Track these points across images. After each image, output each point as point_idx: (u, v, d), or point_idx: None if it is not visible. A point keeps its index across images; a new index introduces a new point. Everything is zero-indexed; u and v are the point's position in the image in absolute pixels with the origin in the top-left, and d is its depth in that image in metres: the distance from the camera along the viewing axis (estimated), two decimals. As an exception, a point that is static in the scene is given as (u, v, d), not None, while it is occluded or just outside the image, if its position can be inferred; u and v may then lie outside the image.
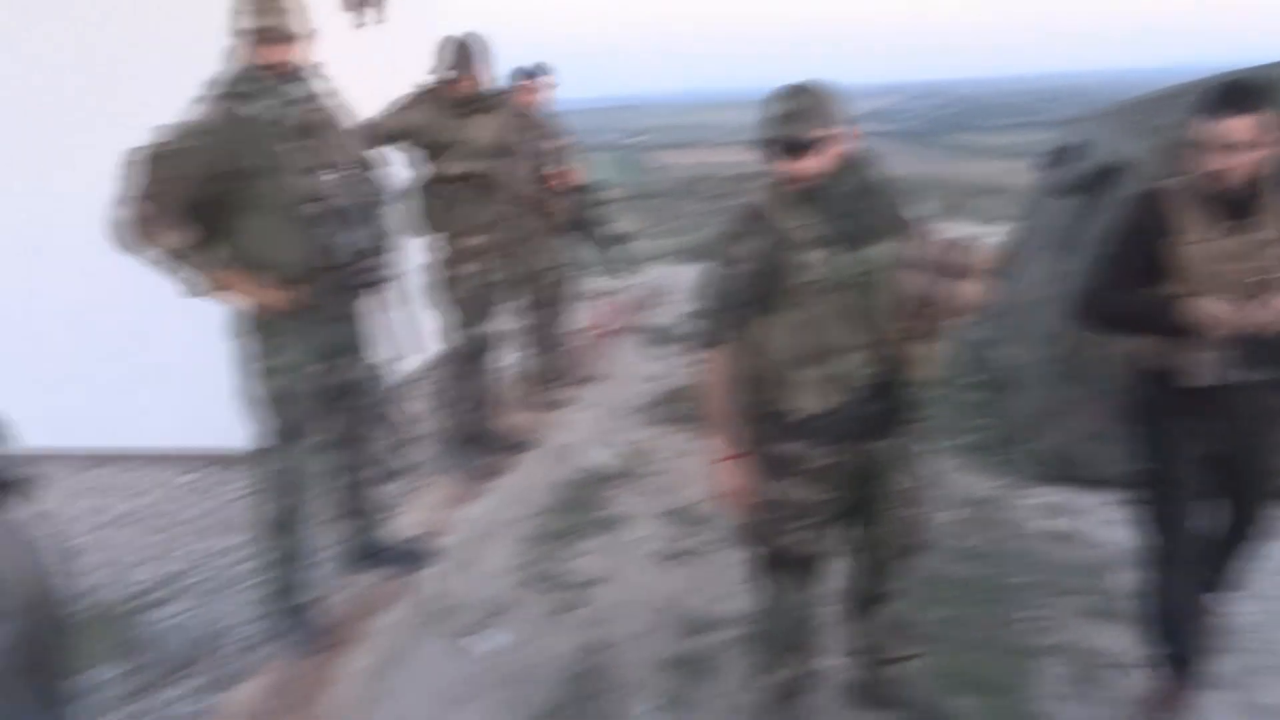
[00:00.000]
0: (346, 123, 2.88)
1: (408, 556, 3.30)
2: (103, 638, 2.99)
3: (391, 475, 3.50)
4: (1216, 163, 2.15)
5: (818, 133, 2.10)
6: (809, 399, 2.22)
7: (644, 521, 3.94)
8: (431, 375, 4.15)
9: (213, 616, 3.20)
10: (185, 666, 2.91)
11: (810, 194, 2.16)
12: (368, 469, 3.19)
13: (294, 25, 2.64)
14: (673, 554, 3.66)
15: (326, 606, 3.01)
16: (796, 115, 2.10)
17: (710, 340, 2.30)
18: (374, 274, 2.86)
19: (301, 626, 2.86)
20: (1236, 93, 2.15)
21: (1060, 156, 5.51)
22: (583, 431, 4.78)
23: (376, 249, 2.85)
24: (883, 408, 2.26)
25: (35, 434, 2.06)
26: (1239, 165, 2.14)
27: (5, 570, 1.49)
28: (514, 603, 3.33)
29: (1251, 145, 2.12)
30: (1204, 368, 2.26)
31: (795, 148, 2.11)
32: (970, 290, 2.07)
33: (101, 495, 4.20)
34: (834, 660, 2.73)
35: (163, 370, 4.18)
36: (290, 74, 2.67)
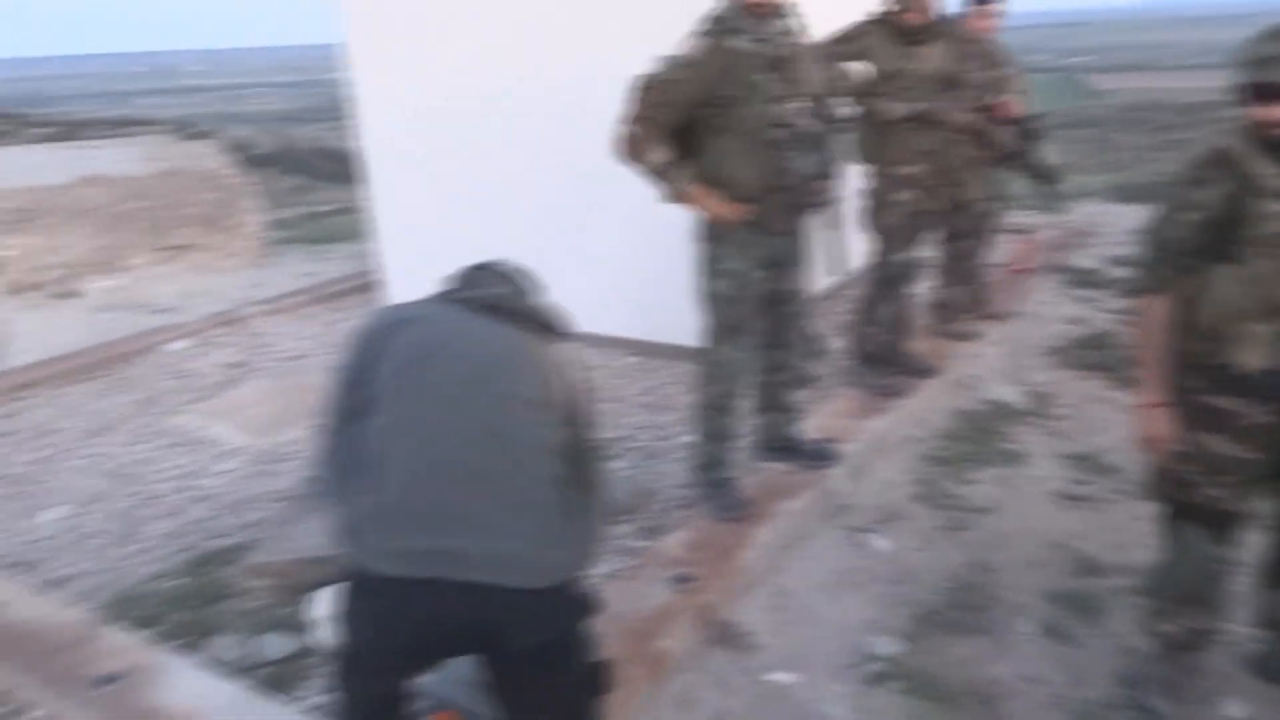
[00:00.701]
0: (812, 54, 3.17)
1: (814, 454, 3.65)
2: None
3: (806, 380, 3.86)
4: None
5: None
6: (1255, 354, 2.17)
7: (1044, 461, 3.97)
8: (851, 294, 4.41)
9: (649, 477, 3.79)
10: (627, 513, 3.51)
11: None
12: (789, 370, 3.56)
13: None
14: (1071, 496, 3.68)
15: (743, 484, 3.46)
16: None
17: (1152, 286, 2.30)
18: (820, 196, 3.15)
19: (724, 496, 3.33)
20: None
21: None
22: (989, 365, 4.81)
23: (825, 173, 3.13)
24: None
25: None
26: None
27: (554, 387, 1.98)
28: (904, 514, 3.57)
29: None
30: None
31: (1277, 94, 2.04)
32: None
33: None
34: (1238, 628, 2.68)
35: (623, 266, 4.85)
36: (771, 12, 2.99)
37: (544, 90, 4.89)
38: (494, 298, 2.02)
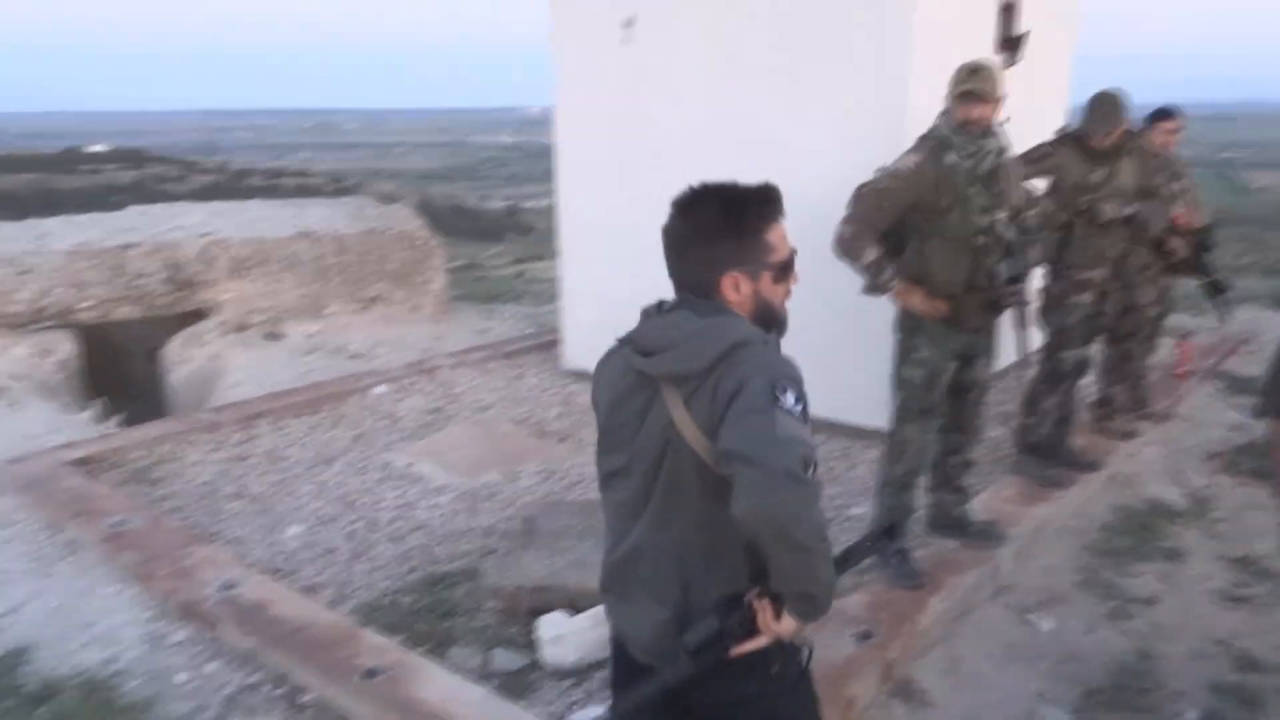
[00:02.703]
0: (1015, 168, 3.52)
1: (982, 534, 3.91)
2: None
3: (975, 465, 4.13)
4: None
5: None
6: None
7: (1203, 560, 4.12)
8: (1023, 386, 4.67)
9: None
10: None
11: None
12: (965, 454, 3.85)
13: (995, 90, 3.32)
14: (1233, 596, 3.83)
15: (918, 557, 3.75)
16: None
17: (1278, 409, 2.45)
18: (1015, 298, 3.48)
19: (903, 565, 3.63)
20: None
21: None
22: (1148, 465, 4.98)
23: (1021, 276, 3.47)
24: None
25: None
26: None
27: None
28: (1067, 598, 3.80)
29: None
30: None
31: None
32: None
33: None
34: None
35: (837, 353, 5.10)
36: (985, 129, 3.38)
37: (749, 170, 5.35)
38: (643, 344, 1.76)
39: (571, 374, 6.58)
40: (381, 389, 6.36)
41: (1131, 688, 3.24)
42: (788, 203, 1.83)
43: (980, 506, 4.21)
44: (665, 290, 1.83)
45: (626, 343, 1.80)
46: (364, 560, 4.15)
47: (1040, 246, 3.57)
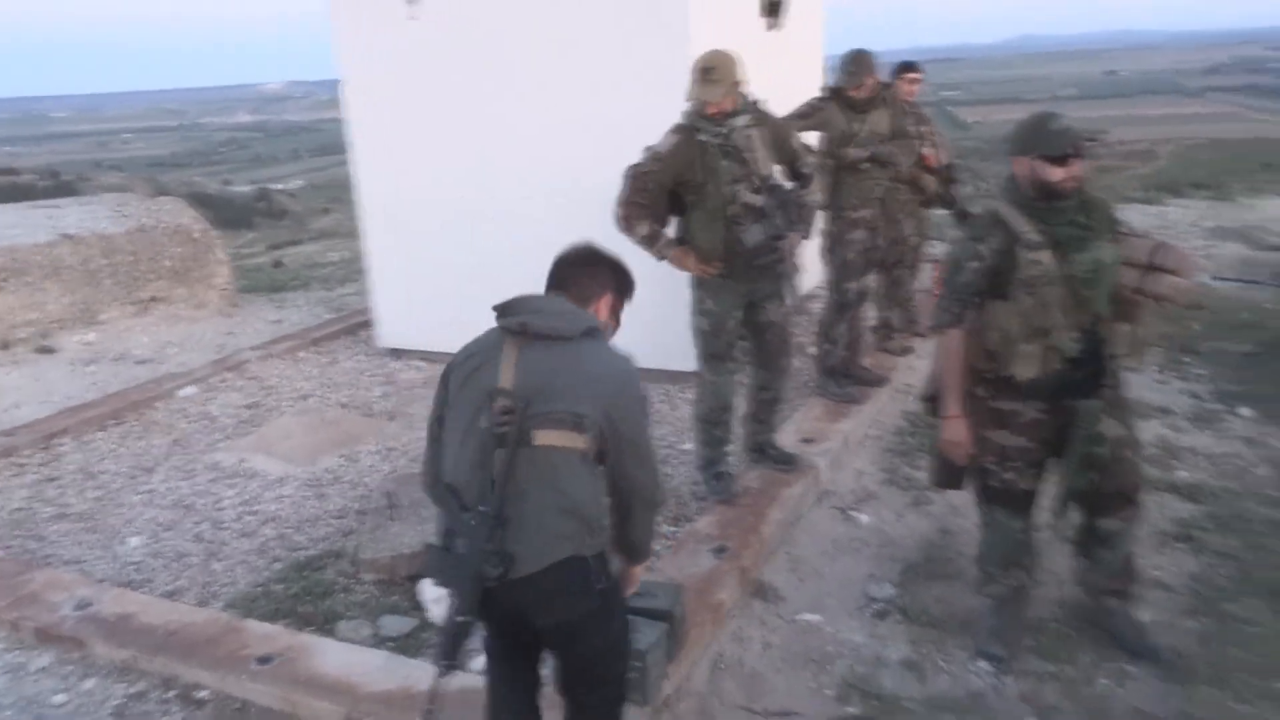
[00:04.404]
0: (764, 140, 3.83)
1: (782, 460, 4.34)
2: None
3: (783, 394, 4.62)
4: None
5: (1082, 145, 2.75)
6: (1027, 367, 2.87)
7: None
8: (815, 319, 5.23)
9: (669, 480, 4.50)
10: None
11: (1051, 201, 2.77)
12: (772, 390, 4.28)
13: (718, 94, 3.65)
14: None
15: (740, 477, 4.20)
16: (1068, 128, 2.78)
17: (949, 321, 2.97)
18: (770, 255, 3.85)
19: (719, 486, 4.08)
20: None
21: None
22: (923, 373, 5.70)
23: (776, 238, 3.83)
24: (1088, 373, 2.87)
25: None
26: None
27: (595, 370, 2.14)
28: (879, 494, 4.38)
29: None
30: None
31: (1064, 157, 2.72)
32: (1178, 284, 2.68)
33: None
34: (1057, 585, 3.48)
35: (655, 309, 5.42)
36: (727, 114, 3.74)
37: (541, 159, 5.55)
38: (517, 323, 2.15)
39: (389, 352, 6.61)
40: (189, 390, 6.14)
41: (939, 559, 3.84)
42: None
43: (795, 427, 4.73)
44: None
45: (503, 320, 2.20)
46: (220, 559, 4.13)
47: (809, 202, 3.95)
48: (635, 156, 3.83)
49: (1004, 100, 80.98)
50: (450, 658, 2.10)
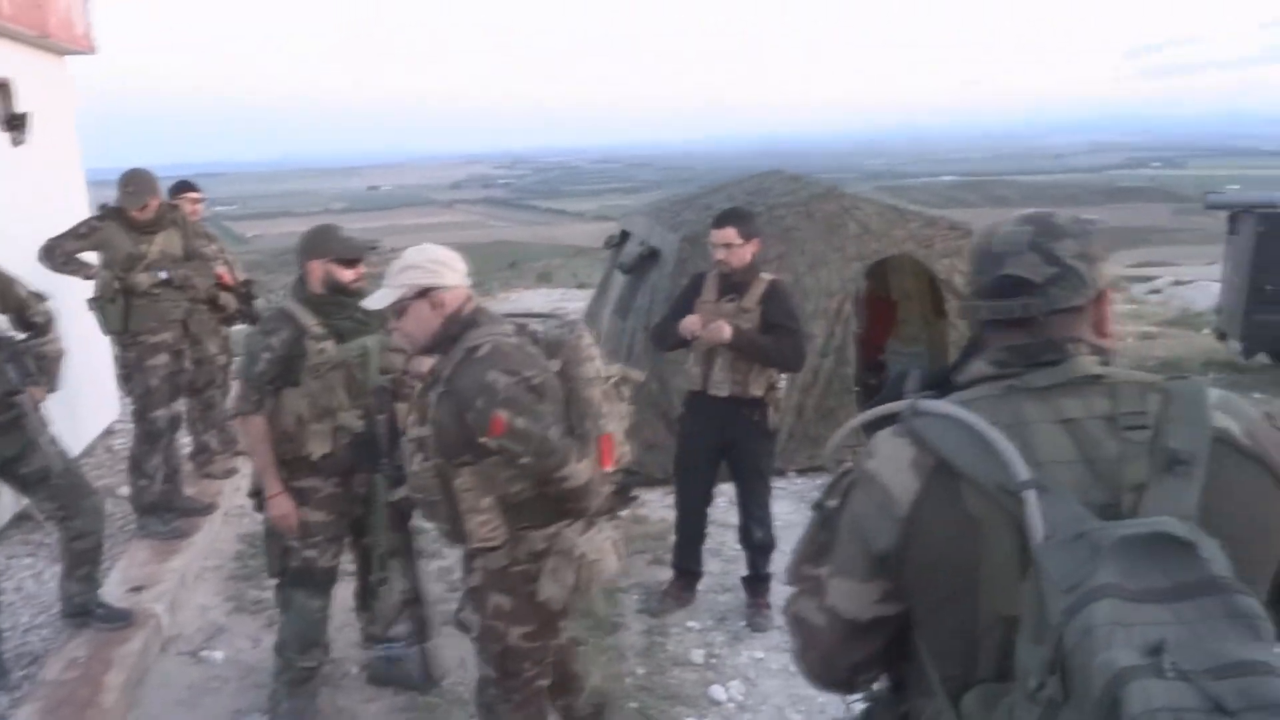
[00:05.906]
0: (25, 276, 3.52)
1: (119, 616, 3.88)
2: None
3: (100, 543, 4.11)
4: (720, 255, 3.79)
5: (366, 252, 3.20)
6: (319, 445, 3.14)
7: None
8: (123, 453, 4.77)
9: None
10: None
11: (339, 297, 3.11)
12: (82, 538, 3.76)
13: None
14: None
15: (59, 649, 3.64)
16: (352, 238, 3.23)
17: (247, 409, 3.14)
18: (10, 413, 3.45)
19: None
20: (729, 214, 3.84)
21: (621, 240, 7.28)
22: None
23: (10, 394, 3.42)
24: (373, 447, 3.16)
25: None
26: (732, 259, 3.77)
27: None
28: (229, 626, 4.16)
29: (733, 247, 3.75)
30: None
31: (354, 261, 3.14)
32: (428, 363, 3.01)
33: None
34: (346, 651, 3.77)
35: None
36: None
37: None
38: None
39: None
40: None
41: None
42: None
43: (120, 576, 4.26)
44: None
45: None
46: None
47: (48, 352, 3.63)
48: None
49: (279, 214, 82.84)
50: None
